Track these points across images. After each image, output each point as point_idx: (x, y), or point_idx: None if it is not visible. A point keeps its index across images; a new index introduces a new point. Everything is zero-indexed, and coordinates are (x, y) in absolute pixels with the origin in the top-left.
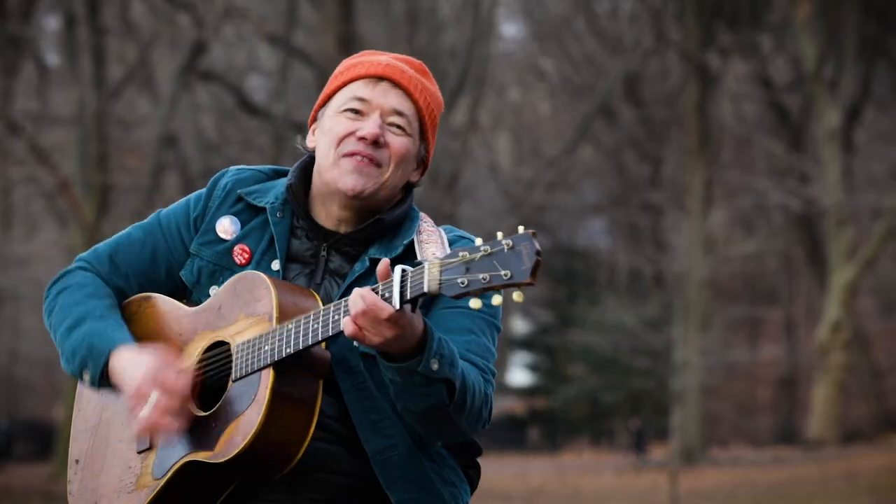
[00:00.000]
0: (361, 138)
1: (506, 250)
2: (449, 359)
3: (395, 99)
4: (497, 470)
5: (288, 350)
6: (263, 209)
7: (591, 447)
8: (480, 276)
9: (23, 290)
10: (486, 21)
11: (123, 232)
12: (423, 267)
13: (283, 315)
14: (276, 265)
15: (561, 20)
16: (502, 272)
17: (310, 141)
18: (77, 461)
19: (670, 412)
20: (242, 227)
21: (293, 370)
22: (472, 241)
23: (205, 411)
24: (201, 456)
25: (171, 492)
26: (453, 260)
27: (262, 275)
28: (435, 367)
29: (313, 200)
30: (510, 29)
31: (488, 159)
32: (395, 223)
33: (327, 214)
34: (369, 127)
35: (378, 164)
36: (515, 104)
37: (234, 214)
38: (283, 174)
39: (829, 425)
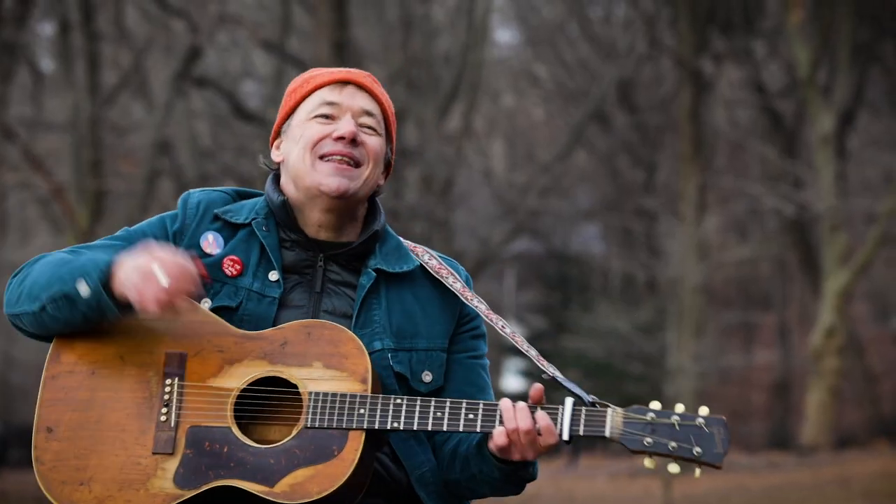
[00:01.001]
0: (339, 138)
1: (697, 426)
2: (537, 461)
3: (363, 100)
4: None
5: (395, 425)
6: (243, 225)
7: (585, 453)
8: (669, 443)
9: None
10: (480, 27)
11: (98, 241)
12: (607, 413)
13: (376, 383)
14: (274, 275)
15: (555, 26)
16: (694, 448)
17: (275, 156)
18: (50, 430)
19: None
20: (226, 243)
21: (375, 440)
22: (456, 266)
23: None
24: (253, 488)
25: None
26: (639, 417)
27: (348, 331)
28: (531, 469)
29: (298, 216)
30: (504, 35)
31: (482, 165)
32: (383, 232)
33: (309, 224)
34: (345, 126)
35: (357, 164)
36: (509, 110)
37: (216, 231)
38: (246, 195)
39: (822, 430)
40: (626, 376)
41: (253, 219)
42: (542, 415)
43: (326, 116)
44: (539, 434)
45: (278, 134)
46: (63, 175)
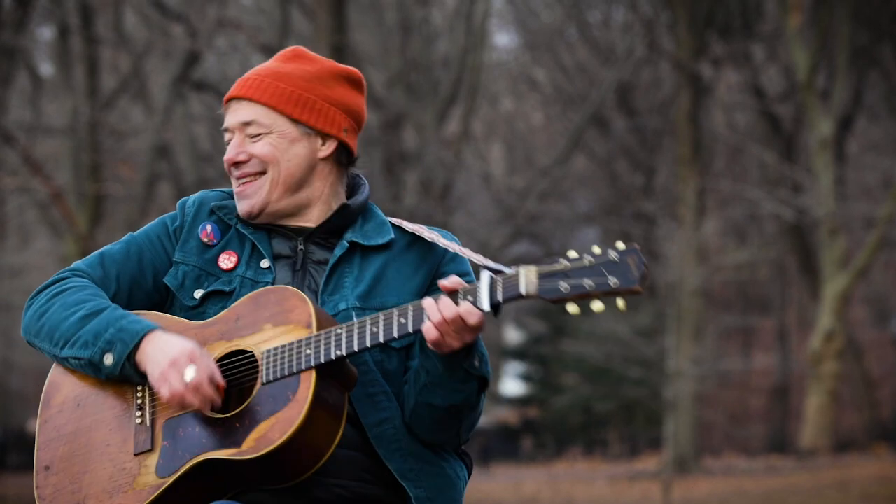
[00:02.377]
0: (231, 164)
1: (611, 260)
2: (486, 357)
3: (240, 114)
4: (490, 479)
5: (338, 352)
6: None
7: (584, 456)
8: (585, 282)
9: (16, 299)
10: (479, 31)
11: (106, 247)
12: (519, 272)
13: (321, 323)
14: (265, 263)
15: (553, 30)
16: (610, 280)
17: None
18: (47, 467)
19: (663, 421)
20: (222, 235)
21: (329, 378)
22: (446, 234)
23: (221, 414)
24: (223, 454)
25: (176, 491)
26: (553, 267)
27: (291, 288)
28: (476, 363)
29: None
30: (503, 39)
31: (481, 169)
32: (360, 208)
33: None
34: (227, 153)
35: (257, 175)
36: (508, 113)
37: (213, 223)
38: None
39: (821, 434)
40: (625, 380)
41: (237, 222)
42: (461, 302)
43: (228, 142)
44: (463, 319)
45: None
46: (62, 179)
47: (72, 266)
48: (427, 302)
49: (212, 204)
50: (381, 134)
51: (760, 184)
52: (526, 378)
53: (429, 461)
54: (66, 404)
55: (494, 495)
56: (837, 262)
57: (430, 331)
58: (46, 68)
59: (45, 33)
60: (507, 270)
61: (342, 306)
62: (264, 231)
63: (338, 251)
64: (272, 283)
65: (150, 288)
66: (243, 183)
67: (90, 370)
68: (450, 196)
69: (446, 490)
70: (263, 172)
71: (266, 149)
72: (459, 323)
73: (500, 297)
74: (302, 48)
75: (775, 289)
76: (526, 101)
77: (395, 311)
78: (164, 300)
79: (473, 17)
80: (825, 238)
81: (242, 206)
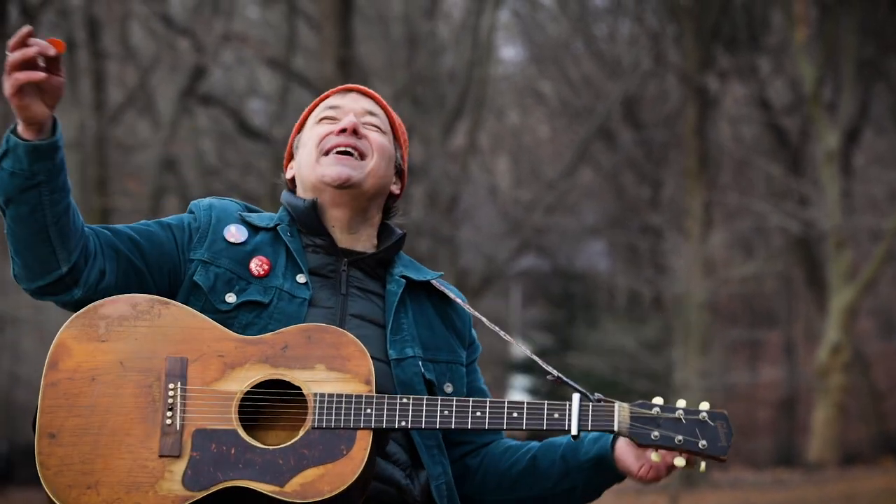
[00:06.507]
0: (341, 130)
1: (701, 420)
2: None
3: (365, 103)
4: None
5: (402, 423)
6: (265, 229)
7: None
8: (675, 436)
9: (23, 313)
10: (485, 44)
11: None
12: (614, 406)
13: (378, 381)
14: (301, 278)
15: (560, 43)
16: (700, 441)
17: (289, 173)
18: (53, 435)
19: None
20: (248, 238)
21: (380, 439)
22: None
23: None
24: (263, 488)
25: None
26: (645, 412)
27: (349, 334)
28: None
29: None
30: (509, 52)
31: (487, 182)
32: (403, 243)
33: (329, 226)
34: (347, 119)
35: (362, 155)
36: (514, 127)
37: (238, 223)
38: (253, 211)
39: (829, 447)
40: (632, 393)
41: (277, 224)
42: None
43: (331, 118)
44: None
45: (292, 155)
46: None
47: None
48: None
49: (239, 213)
50: None
51: (767, 196)
52: (533, 392)
53: None
54: (77, 372)
55: None
56: (844, 274)
57: (635, 466)
58: None
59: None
60: (592, 396)
61: (409, 352)
62: (299, 241)
63: (395, 287)
64: (308, 301)
65: (151, 261)
66: (346, 154)
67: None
68: (456, 209)
69: None
70: (364, 158)
71: (382, 140)
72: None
73: (590, 427)
74: None
75: (782, 302)
76: (532, 114)
77: (471, 402)
78: (158, 285)
79: (480, 31)
80: (832, 251)
81: (335, 170)
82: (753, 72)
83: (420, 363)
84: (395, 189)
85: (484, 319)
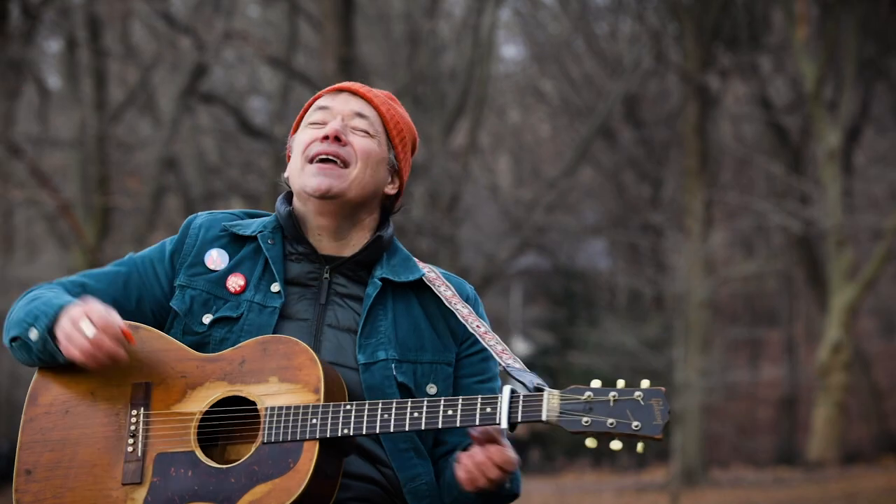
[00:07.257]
0: (324, 138)
1: (635, 401)
2: (517, 476)
3: (355, 104)
4: None
5: (345, 431)
6: (251, 238)
7: (591, 468)
8: (607, 420)
9: None
10: (486, 43)
11: (103, 268)
12: (543, 395)
13: (329, 388)
14: (275, 287)
15: (560, 42)
16: (633, 423)
17: (286, 174)
18: (29, 472)
19: (671, 433)
20: (231, 258)
21: (330, 448)
22: (461, 284)
23: (206, 457)
24: None
25: None
26: (576, 397)
27: (302, 343)
28: (507, 485)
29: (303, 226)
30: (510, 50)
31: (488, 180)
32: (389, 242)
33: (311, 232)
34: (329, 126)
35: (345, 164)
36: (515, 125)
37: (221, 248)
38: (255, 216)
39: (829, 446)
40: None
41: (259, 232)
42: (491, 447)
43: (318, 123)
44: (493, 461)
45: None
46: (70, 192)
47: (54, 281)
48: (464, 461)
49: (224, 223)
50: None
51: (768, 195)
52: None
53: None
54: (53, 406)
55: None
56: (845, 273)
57: (464, 481)
58: (54, 81)
59: (53, 46)
60: (528, 384)
61: (381, 356)
62: (280, 248)
63: (371, 290)
64: (279, 308)
65: (132, 309)
66: (327, 162)
67: (24, 351)
68: (457, 208)
69: None
70: (347, 166)
71: (367, 147)
72: (487, 466)
73: (519, 418)
74: None
75: (783, 300)
76: (533, 112)
77: (409, 405)
78: (155, 325)
79: (481, 30)
80: (832, 250)
81: (316, 181)
82: (754, 71)
83: (393, 366)
84: (391, 190)
85: (458, 315)
